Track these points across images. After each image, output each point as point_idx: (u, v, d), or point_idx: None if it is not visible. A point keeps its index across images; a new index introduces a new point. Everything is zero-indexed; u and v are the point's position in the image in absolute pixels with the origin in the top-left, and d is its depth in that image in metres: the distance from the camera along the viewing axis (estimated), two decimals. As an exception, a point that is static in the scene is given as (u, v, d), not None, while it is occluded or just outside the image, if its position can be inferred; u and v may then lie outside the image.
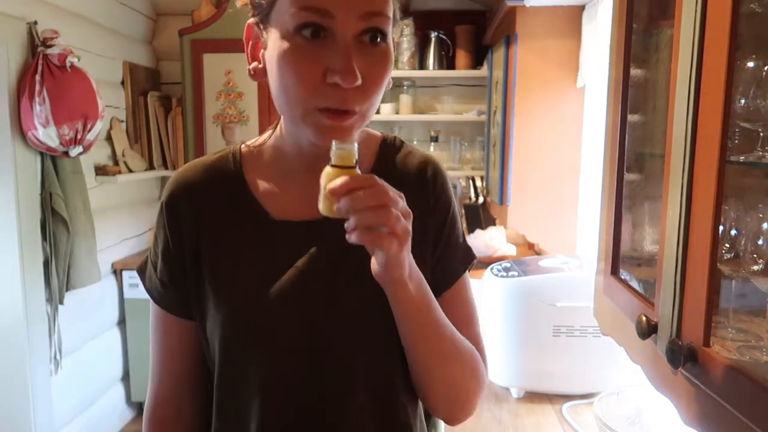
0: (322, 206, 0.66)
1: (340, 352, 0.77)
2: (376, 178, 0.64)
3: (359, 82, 0.67)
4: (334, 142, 0.65)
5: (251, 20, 0.76)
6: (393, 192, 0.65)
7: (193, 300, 0.82)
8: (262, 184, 0.82)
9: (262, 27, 0.74)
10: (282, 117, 0.80)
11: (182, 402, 0.87)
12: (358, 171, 0.66)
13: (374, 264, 0.69)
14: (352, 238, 0.63)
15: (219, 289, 0.78)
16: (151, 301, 0.85)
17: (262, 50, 0.75)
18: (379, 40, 0.70)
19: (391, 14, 0.71)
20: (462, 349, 0.79)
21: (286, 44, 0.68)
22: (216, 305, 0.78)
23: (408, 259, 0.68)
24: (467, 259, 0.86)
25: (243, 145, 0.86)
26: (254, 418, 0.78)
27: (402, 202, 0.66)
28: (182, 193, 0.82)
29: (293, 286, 0.77)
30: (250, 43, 0.77)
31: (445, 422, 0.87)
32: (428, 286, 0.74)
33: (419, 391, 0.81)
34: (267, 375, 0.77)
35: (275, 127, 0.84)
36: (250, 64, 0.77)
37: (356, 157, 0.66)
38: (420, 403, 0.86)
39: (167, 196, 0.83)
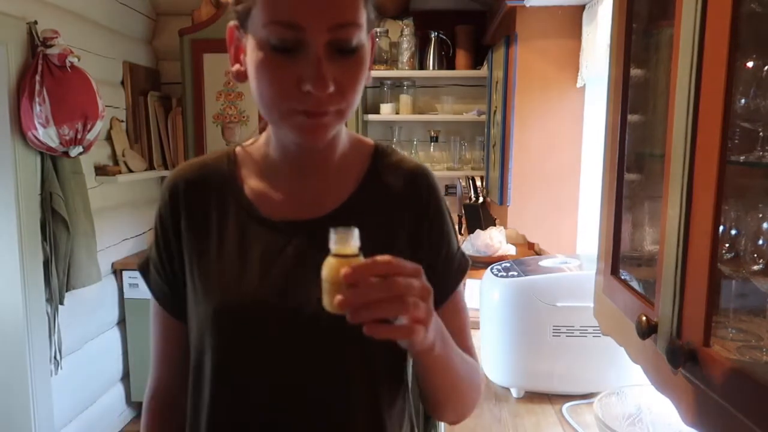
0: (326, 301, 0.61)
1: (321, 347, 0.77)
2: (389, 258, 0.60)
3: (331, 89, 0.68)
4: (331, 230, 0.62)
5: (232, 23, 0.78)
6: (408, 267, 0.60)
7: (183, 297, 0.84)
8: (254, 184, 0.84)
9: (241, 31, 0.76)
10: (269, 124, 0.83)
11: (179, 391, 0.88)
12: (362, 258, 0.60)
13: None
14: (366, 330, 0.59)
15: (202, 284, 0.80)
16: (152, 296, 0.88)
17: (243, 54, 0.77)
18: (350, 49, 0.71)
19: (363, 21, 0.71)
20: (470, 372, 0.83)
21: (261, 54, 0.70)
22: (196, 301, 0.81)
23: (434, 327, 0.66)
24: (462, 268, 0.87)
25: (238, 147, 0.89)
26: (207, 410, 0.81)
27: (419, 281, 0.61)
28: (179, 191, 0.85)
29: (276, 282, 0.78)
30: (233, 46, 0.79)
31: (447, 423, 0.92)
32: (446, 331, 0.74)
33: (427, 404, 0.85)
34: (238, 373, 0.79)
35: (261, 132, 0.87)
36: (233, 65, 0.80)
37: (358, 243, 0.61)
38: (406, 396, 0.88)
39: (167, 194, 0.85)
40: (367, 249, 0.76)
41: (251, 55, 0.73)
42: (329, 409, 0.78)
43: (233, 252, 0.80)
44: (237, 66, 0.79)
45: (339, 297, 0.58)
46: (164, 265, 0.85)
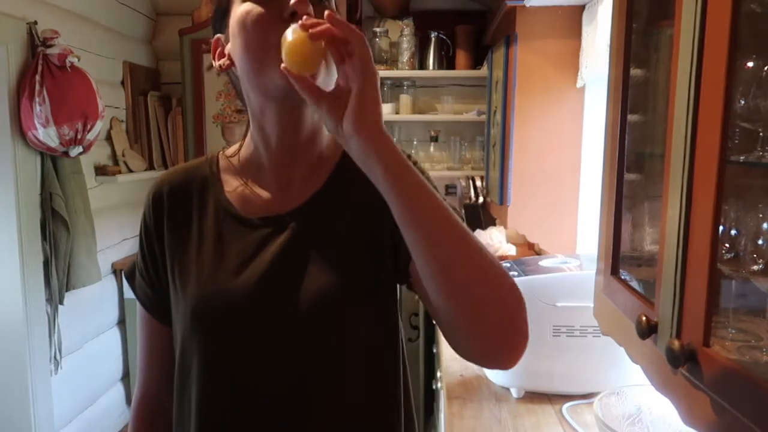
0: (288, 60, 0.66)
1: (300, 341, 0.77)
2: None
3: (311, 8, 0.72)
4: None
5: (216, 36, 0.84)
6: None
7: (167, 301, 0.85)
8: (235, 185, 0.86)
9: (224, 35, 0.82)
10: (251, 121, 0.84)
11: (166, 395, 0.89)
12: None
13: (348, 115, 0.64)
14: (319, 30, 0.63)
15: (182, 285, 0.81)
16: (138, 302, 0.91)
17: (227, 45, 0.82)
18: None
19: None
20: (480, 245, 0.68)
21: (243, 9, 0.75)
22: (177, 302, 0.82)
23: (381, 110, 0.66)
24: (456, 210, 0.86)
25: (220, 152, 0.92)
26: (194, 412, 0.80)
27: None
28: (163, 195, 0.87)
29: (252, 278, 0.78)
30: (217, 51, 0.84)
31: (499, 362, 0.71)
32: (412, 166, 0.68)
33: (449, 313, 0.68)
34: (221, 371, 0.79)
35: (244, 138, 0.89)
36: (216, 64, 0.84)
37: None
38: (396, 387, 0.85)
39: (151, 199, 0.87)
40: (347, 229, 0.75)
41: (234, 25, 0.77)
42: (313, 403, 0.78)
43: (211, 251, 0.81)
44: (222, 60, 0.82)
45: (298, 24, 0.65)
46: (148, 269, 0.87)
